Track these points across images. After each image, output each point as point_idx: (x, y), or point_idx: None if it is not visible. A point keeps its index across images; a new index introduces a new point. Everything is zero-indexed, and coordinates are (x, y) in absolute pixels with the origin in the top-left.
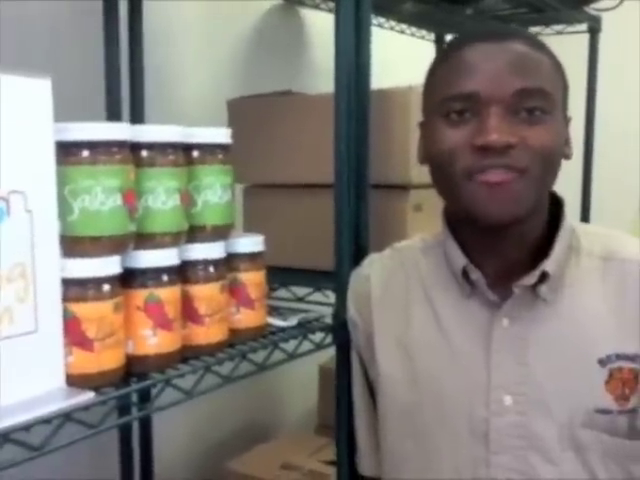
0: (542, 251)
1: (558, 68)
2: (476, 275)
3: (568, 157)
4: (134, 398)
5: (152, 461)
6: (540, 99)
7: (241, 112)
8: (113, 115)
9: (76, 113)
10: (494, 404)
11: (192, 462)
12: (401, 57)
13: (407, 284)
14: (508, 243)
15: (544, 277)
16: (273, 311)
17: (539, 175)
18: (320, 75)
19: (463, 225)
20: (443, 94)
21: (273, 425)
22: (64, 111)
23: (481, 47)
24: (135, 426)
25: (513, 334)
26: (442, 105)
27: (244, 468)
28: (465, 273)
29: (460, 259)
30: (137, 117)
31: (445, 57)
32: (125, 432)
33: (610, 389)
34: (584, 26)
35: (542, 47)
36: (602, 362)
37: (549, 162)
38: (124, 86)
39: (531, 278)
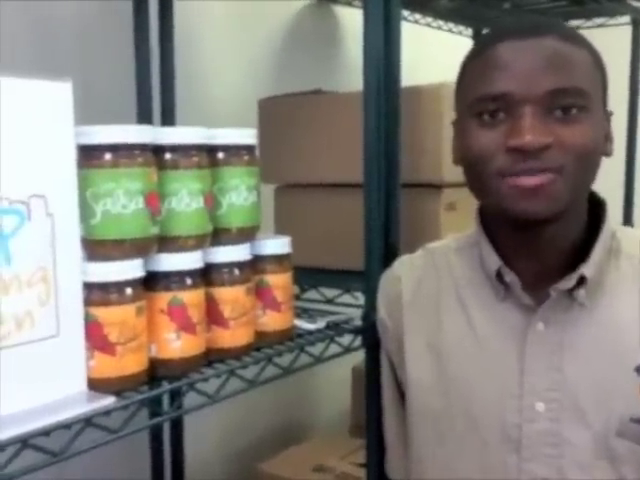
0: (580, 254)
1: (597, 63)
2: (510, 277)
3: (608, 154)
4: (164, 402)
5: (183, 462)
6: (576, 97)
7: (272, 112)
8: (144, 116)
9: (107, 115)
10: (526, 410)
11: (224, 463)
12: (439, 53)
13: (439, 286)
14: (544, 244)
15: (582, 281)
16: (302, 313)
17: (576, 174)
18: (354, 73)
19: (498, 225)
20: (475, 94)
21: (307, 426)
22: (95, 113)
23: (513, 44)
24: (166, 427)
25: (548, 339)
26: (474, 105)
27: (276, 470)
28: (499, 275)
29: (494, 261)
30: (168, 117)
31: (477, 54)
32: (156, 433)
33: None
34: (627, 18)
35: (579, 41)
36: (639, 370)
37: (586, 161)
38: (155, 86)
39: (569, 282)
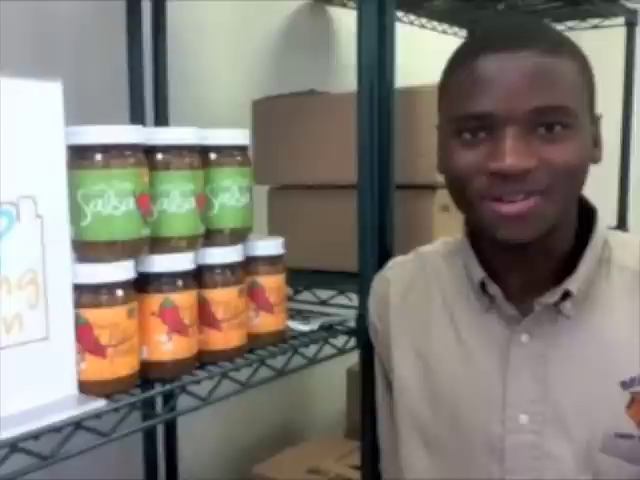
0: (569, 264)
1: (582, 69)
2: (494, 290)
3: (596, 161)
4: (157, 404)
5: (177, 465)
6: (560, 115)
7: (266, 112)
8: (136, 116)
9: (99, 115)
10: (509, 422)
11: (219, 466)
12: (434, 55)
13: (428, 291)
14: (530, 258)
15: (567, 295)
16: (296, 315)
17: (561, 193)
18: (349, 74)
19: (483, 238)
20: (455, 111)
21: (302, 428)
22: (87, 113)
23: (494, 58)
24: (160, 430)
25: (532, 351)
26: (454, 123)
27: (270, 472)
28: (484, 286)
29: (478, 272)
30: (161, 118)
31: (458, 65)
32: (150, 436)
33: (632, 414)
34: (621, 20)
35: (563, 51)
36: (624, 385)
37: (572, 178)
38: (148, 86)
39: (553, 295)
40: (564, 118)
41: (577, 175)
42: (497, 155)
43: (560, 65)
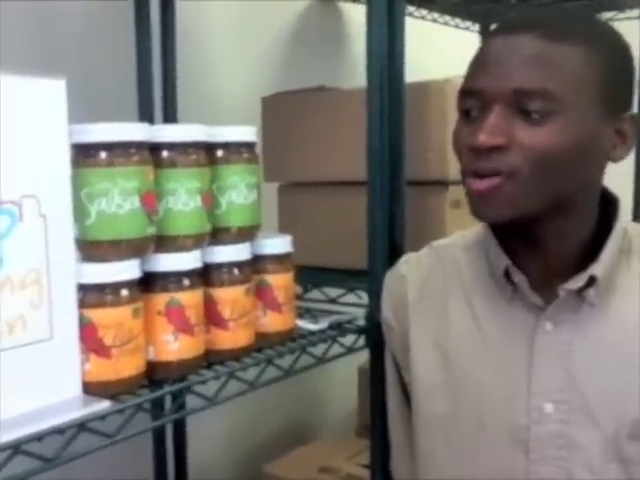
0: (591, 253)
1: (595, 62)
2: (519, 277)
3: (612, 159)
4: (164, 405)
5: (186, 464)
6: (540, 100)
7: (275, 109)
8: (145, 114)
9: (108, 112)
10: (534, 412)
11: (229, 465)
12: (446, 49)
13: (445, 284)
14: (549, 244)
15: (592, 281)
16: (305, 313)
17: (532, 178)
18: (360, 70)
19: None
20: (460, 89)
21: (313, 427)
22: (96, 110)
23: (497, 41)
24: (169, 429)
25: (557, 339)
26: (458, 101)
27: (281, 471)
28: (507, 274)
29: (502, 260)
30: (170, 115)
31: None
32: (159, 436)
33: None
34: (636, 12)
35: (572, 38)
36: None
37: (547, 164)
38: (157, 84)
39: (578, 281)
40: (545, 103)
41: (552, 162)
42: (475, 131)
43: (556, 50)
